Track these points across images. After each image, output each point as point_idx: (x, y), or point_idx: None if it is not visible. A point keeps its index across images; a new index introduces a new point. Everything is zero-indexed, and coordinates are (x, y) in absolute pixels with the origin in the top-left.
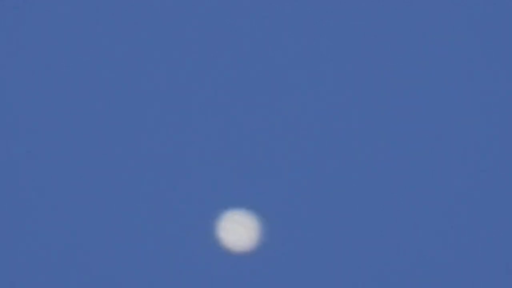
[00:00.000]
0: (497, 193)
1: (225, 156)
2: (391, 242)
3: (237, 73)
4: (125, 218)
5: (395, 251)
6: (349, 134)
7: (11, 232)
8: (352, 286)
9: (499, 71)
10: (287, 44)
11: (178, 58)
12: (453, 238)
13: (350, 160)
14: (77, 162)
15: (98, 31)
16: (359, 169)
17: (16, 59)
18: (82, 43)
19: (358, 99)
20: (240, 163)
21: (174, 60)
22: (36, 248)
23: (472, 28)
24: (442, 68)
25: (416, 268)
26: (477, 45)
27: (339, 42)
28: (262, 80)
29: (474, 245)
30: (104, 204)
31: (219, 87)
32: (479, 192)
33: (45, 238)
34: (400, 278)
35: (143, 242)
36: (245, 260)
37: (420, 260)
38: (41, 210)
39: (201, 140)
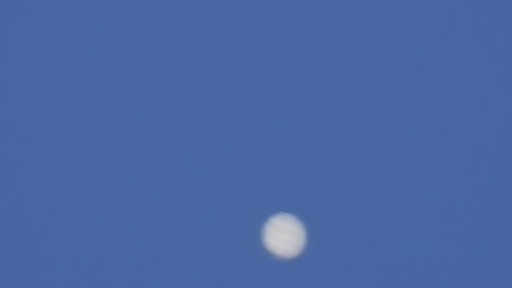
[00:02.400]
0: (497, 193)
1: (271, 162)
2: (439, 248)
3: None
4: (172, 222)
5: (444, 257)
6: (393, 141)
7: (11, 231)
8: None
9: (499, 71)
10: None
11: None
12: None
13: (394, 167)
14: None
15: (97, 31)
16: (404, 176)
17: (15, 59)
18: (81, 43)
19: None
20: (286, 169)
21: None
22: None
23: (472, 28)
24: (442, 67)
25: (461, 271)
26: (477, 45)
27: (338, 42)
28: (307, 89)
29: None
30: (151, 208)
31: (259, 95)
32: (481, 191)
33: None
34: (447, 282)
35: (188, 246)
36: (290, 266)
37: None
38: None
39: (247, 146)
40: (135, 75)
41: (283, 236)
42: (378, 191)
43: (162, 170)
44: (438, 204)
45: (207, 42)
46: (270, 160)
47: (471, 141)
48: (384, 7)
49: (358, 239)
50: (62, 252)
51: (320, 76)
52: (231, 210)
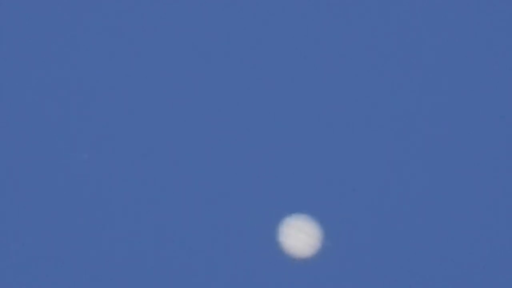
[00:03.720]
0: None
1: (287, 162)
2: (456, 248)
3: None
4: (189, 223)
5: (461, 258)
6: (407, 141)
7: (11, 231)
8: None
9: (499, 71)
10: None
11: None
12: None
13: (409, 165)
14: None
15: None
16: (418, 174)
17: (16, 59)
18: (81, 43)
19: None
20: (302, 169)
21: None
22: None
23: (472, 28)
24: (441, 67)
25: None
26: (477, 45)
27: (338, 42)
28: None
29: None
30: (168, 209)
31: (277, 96)
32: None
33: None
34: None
35: (205, 246)
36: (306, 266)
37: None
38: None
39: (264, 148)
40: (148, 82)
41: (299, 235)
42: (392, 192)
43: (179, 171)
44: (451, 203)
45: (208, 42)
46: (286, 161)
47: (477, 139)
48: (384, 7)
49: (372, 238)
50: (78, 252)
51: (335, 78)
52: (247, 211)
